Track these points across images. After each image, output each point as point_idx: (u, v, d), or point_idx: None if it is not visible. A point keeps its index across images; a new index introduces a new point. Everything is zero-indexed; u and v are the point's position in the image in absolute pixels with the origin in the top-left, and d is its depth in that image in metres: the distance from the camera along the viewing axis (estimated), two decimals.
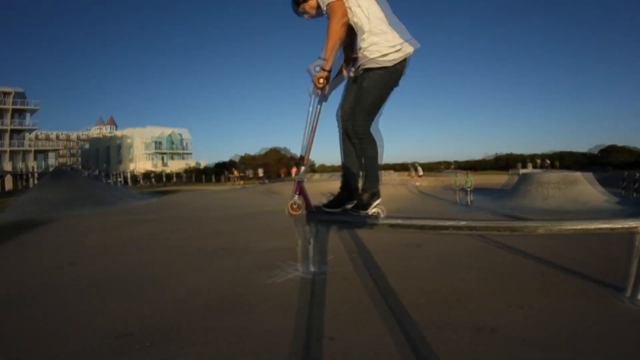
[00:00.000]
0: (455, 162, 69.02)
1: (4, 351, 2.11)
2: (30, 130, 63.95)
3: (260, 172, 46.77)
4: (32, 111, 63.87)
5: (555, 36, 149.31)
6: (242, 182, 38.24)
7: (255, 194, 16.40)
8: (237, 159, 72.72)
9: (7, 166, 53.63)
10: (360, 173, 3.28)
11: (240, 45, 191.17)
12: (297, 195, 3.22)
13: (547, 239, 4.29)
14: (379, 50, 2.88)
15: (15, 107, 60.61)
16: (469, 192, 14.91)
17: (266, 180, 42.05)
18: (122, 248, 5.07)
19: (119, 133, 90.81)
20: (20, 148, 60.35)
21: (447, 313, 2.36)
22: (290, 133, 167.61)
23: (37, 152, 62.72)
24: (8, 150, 58.33)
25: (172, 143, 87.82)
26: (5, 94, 59.91)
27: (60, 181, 11.51)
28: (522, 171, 30.11)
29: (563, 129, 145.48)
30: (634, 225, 2.41)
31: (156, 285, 3.27)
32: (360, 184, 3.26)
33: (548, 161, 44.56)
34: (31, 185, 26.86)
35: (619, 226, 2.51)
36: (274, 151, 71.63)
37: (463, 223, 2.63)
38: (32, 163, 57.39)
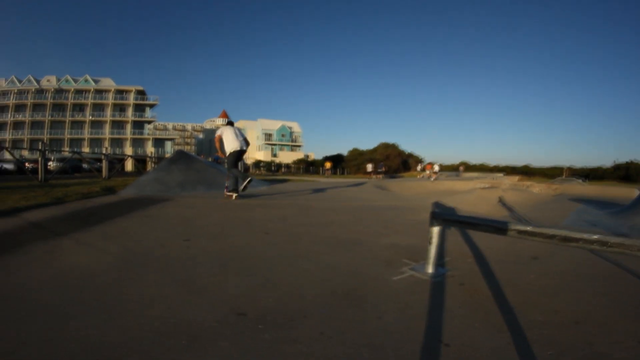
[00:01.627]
0: (570, 168, 63.37)
1: (120, 314, 2.26)
2: (149, 122, 75.50)
3: (370, 167, 46.58)
4: (151, 105, 76.00)
5: None
6: (328, 173, 38.98)
7: (359, 188, 16.18)
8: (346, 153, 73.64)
9: (129, 151, 63.59)
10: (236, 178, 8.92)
11: (348, 42, 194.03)
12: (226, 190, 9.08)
13: None
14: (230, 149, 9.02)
15: (135, 102, 73.37)
16: None
17: (376, 176, 41.73)
18: (235, 229, 5.20)
19: None
20: (140, 136, 71.59)
21: (564, 335, 2.21)
22: (400, 129, 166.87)
23: (155, 140, 72.15)
24: (129, 137, 68.77)
25: (282, 135, 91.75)
26: (127, 91, 73.41)
27: (177, 164, 12.17)
28: None
29: None
30: None
31: (271, 269, 3.31)
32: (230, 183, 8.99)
33: None
34: (148, 168, 29.29)
35: None
36: (383, 146, 71.00)
37: (595, 237, 2.31)
38: (150, 149, 66.54)
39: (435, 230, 3.25)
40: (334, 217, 6.41)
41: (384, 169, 46.24)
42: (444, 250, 4.08)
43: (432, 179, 28.83)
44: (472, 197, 14.25)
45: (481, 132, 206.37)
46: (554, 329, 2.28)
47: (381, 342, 2.00)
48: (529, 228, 2.59)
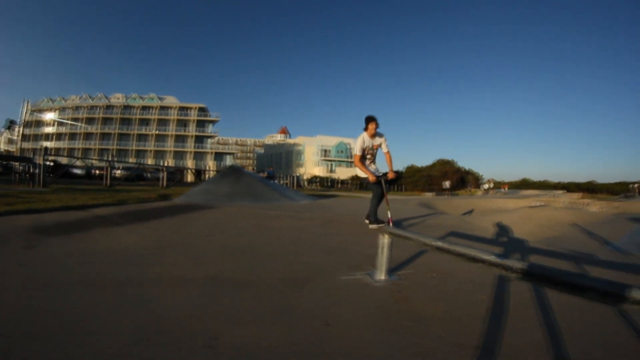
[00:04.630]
0: (630, 183, 59.20)
1: (148, 269, 3.71)
2: (211, 137, 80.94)
3: (447, 184, 46.49)
4: (213, 121, 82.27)
5: None
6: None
7: (403, 205, 16.48)
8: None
9: (190, 164, 68.27)
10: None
11: (406, 59, 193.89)
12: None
13: None
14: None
15: (197, 118, 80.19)
16: None
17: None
18: (252, 232, 6.33)
19: (291, 141, 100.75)
20: (201, 150, 76.91)
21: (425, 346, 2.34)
22: (459, 144, 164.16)
23: (215, 153, 77.36)
24: (191, 151, 74.65)
25: (340, 152, 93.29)
26: (190, 108, 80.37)
27: (228, 178, 13.55)
28: None
29: None
30: None
31: (256, 259, 4.43)
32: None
33: None
34: (205, 179, 31.49)
35: None
36: (441, 163, 70.79)
37: (495, 260, 2.23)
38: (210, 163, 70.72)
39: (384, 242, 3.70)
40: (346, 230, 7.10)
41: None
42: (418, 263, 4.55)
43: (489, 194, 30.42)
44: (517, 216, 13.97)
45: (544, 148, 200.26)
46: (422, 340, 2.39)
47: (287, 309, 2.84)
48: (439, 244, 2.82)
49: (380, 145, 7.00)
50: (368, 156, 7.00)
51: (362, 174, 6.92)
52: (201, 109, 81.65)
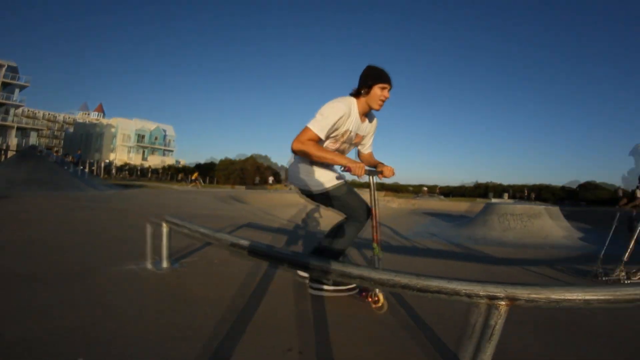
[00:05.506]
0: (434, 186, 69.95)
1: None
2: (17, 106, 65.28)
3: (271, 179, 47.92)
4: (22, 87, 65.30)
5: (543, 78, 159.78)
6: (192, 184, 39.86)
7: (213, 197, 16.34)
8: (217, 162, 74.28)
9: None
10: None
11: (230, 49, 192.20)
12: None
13: None
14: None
15: (5, 80, 62.14)
16: None
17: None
18: (44, 224, 6.32)
19: (104, 121, 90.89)
20: (3, 122, 61.64)
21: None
22: (272, 141, 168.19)
23: (19, 128, 63.85)
24: None
25: (155, 138, 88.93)
26: None
27: (27, 162, 12.58)
28: (494, 200, 30.82)
29: (545, 162, 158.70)
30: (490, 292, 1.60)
31: (45, 253, 4.43)
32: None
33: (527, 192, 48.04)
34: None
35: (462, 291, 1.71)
36: (253, 158, 73.03)
37: (243, 243, 2.69)
38: (12, 140, 58.87)
39: (165, 230, 3.91)
40: (134, 221, 7.11)
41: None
42: (206, 251, 4.92)
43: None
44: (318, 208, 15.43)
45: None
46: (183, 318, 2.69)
47: (69, 299, 2.96)
48: (202, 230, 3.27)
49: (363, 139, 3.55)
50: (335, 146, 3.35)
51: (307, 172, 3.29)
52: (11, 68, 63.35)
